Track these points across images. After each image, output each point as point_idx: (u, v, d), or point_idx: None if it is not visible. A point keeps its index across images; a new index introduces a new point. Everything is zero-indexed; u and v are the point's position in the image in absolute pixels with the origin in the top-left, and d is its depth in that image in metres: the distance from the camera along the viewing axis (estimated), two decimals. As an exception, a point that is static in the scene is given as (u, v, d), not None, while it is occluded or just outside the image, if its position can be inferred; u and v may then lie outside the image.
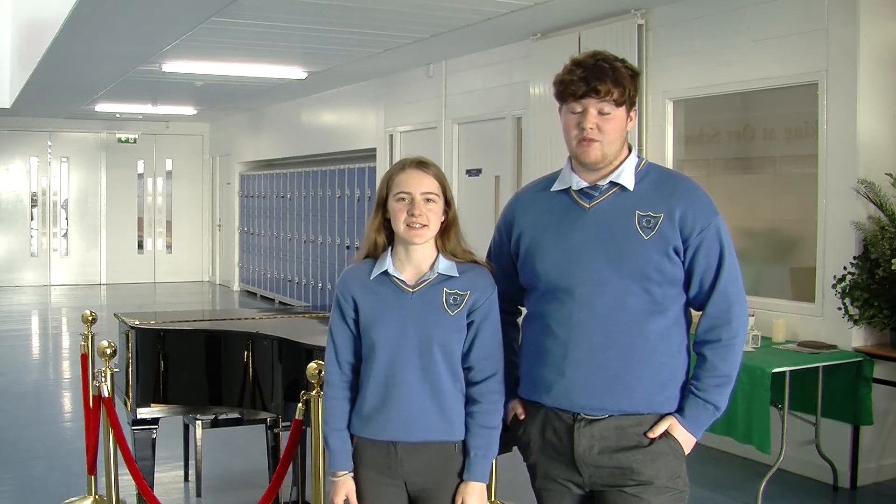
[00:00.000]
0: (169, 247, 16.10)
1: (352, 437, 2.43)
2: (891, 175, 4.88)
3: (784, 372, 4.51)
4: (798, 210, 5.49)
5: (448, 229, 2.42)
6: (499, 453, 2.45)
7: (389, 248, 2.42)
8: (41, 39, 8.02)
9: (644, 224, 2.23)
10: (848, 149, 4.93)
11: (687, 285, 2.29)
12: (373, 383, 2.37)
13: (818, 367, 4.70)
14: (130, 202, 15.80)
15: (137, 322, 4.17)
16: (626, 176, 2.28)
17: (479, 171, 8.32)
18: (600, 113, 2.22)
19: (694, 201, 2.26)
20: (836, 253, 4.98)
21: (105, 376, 4.11)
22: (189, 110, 13.54)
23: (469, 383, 2.38)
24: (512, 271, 2.43)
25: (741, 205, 5.90)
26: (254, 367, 3.94)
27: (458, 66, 8.46)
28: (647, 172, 2.33)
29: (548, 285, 2.31)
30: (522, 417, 2.38)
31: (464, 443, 2.38)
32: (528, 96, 7.19)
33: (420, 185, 2.37)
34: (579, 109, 2.24)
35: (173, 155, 16.05)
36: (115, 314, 4.53)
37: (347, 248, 10.86)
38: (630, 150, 2.34)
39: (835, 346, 4.88)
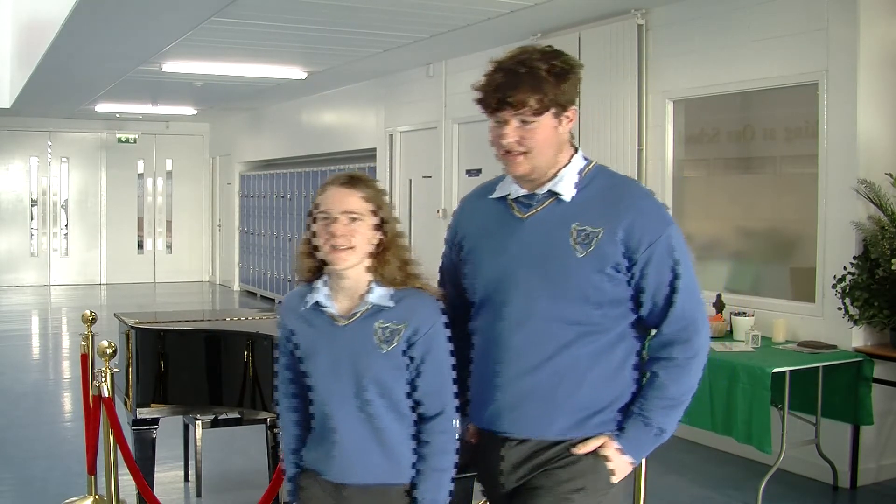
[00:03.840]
0: (169, 247, 16.10)
1: None
2: (891, 175, 4.88)
3: (784, 372, 4.51)
4: (798, 210, 5.49)
5: (385, 253, 2.18)
6: (458, 475, 2.26)
7: (326, 275, 2.22)
8: (41, 39, 8.02)
9: (580, 239, 2.04)
10: (848, 149, 4.93)
11: (638, 304, 2.09)
12: (316, 420, 2.23)
13: (818, 367, 4.70)
14: (130, 202, 15.80)
15: (137, 322, 4.18)
16: (565, 185, 2.09)
17: (479, 171, 8.32)
18: (521, 123, 2.03)
19: (641, 213, 2.05)
20: (836, 253, 4.98)
21: (105, 376, 4.11)
22: (189, 110, 13.54)
23: (418, 419, 2.19)
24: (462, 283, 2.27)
25: (741, 205, 5.90)
26: (254, 367, 3.95)
27: (458, 66, 8.46)
28: (593, 179, 2.12)
29: (482, 300, 2.16)
30: (472, 441, 2.23)
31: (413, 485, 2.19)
32: (528, 96, 7.18)
33: (343, 202, 2.14)
34: (500, 120, 2.05)
35: (173, 155, 16.05)
36: (115, 314, 4.54)
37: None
38: (574, 153, 2.14)
39: (835, 346, 4.88)
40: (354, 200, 2.15)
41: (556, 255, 2.05)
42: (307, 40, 7.58)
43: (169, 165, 16.08)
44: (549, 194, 2.09)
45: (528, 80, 1.99)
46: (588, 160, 2.15)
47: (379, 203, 2.19)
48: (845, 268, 4.86)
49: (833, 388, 4.78)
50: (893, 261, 4.61)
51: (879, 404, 4.86)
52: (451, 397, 2.19)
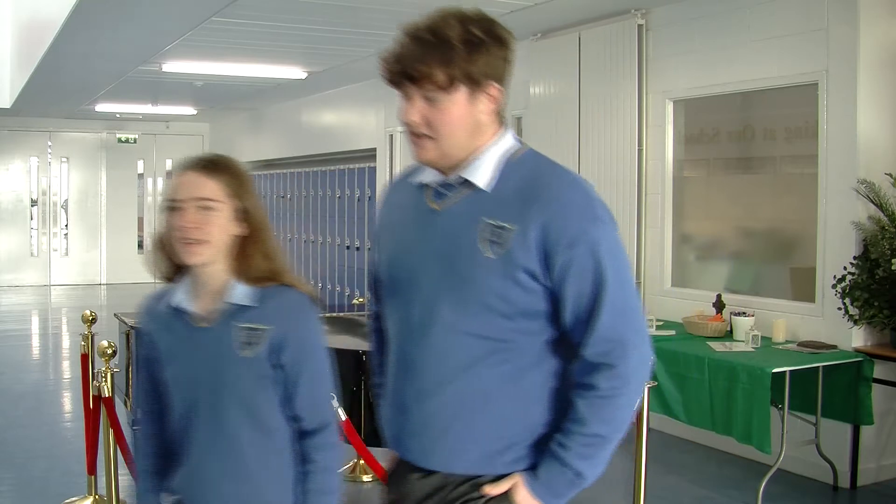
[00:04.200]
0: (169, 247, 16.10)
1: None
2: (891, 175, 4.88)
3: (784, 372, 4.51)
4: (798, 210, 5.49)
5: (247, 246, 1.93)
6: None
7: (186, 274, 1.99)
8: (41, 39, 8.02)
9: (491, 237, 1.70)
10: (848, 149, 4.93)
11: (560, 318, 1.75)
12: (176, 439, 1.98)
13: (818, 367, 4.70)
14: (130, 202, 15.81)
15: (137, 322, 4.17)
16: (482, 172, 1.76)
17: (479, 171, 8.32)
18: (428, 101, 1.73)
19: (561, 208, 1.70)
20: (836, 253, 4.98)
21: (105, 376, 4.11)
22: (189, 110, 13.55)
23: (298, 435, 1.95)
24: None
25: (741, 205, 5.90)
26: (254, 367, 3.94)
27: (458, 66, 8.45)
28: (519, 166, 1.77)
29: (387, 302, 1.89)
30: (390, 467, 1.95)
31: None
32: (528, 96, 7.19)
33: (195, 189, 1.89)
34: (405, 96, 1.76)
35: (173, 155, 16.00)
36: (115, 314, 4.54)
37: (347, 248, 10.87)
38: (500, 135, 1.81)
39: (835, 346, 4.88)
40: (208, 187, 1.89)
41: (464, 256, 1.73)
42: (307, 40, 7.58)
43: (169, 165, 16.04)
44: (464, 182, 1.78)
45: (435, 50, 1.68)
46: (519, 143, 1.82)
47: (239, 190, 1.93)
48: (845, 268, 4.86)
49: (833, 388, 4.78)
50: (893, 261, 4.61)
51: (879, 404, 4.86)
52: (332, 409, 1.97)
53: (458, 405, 1.76)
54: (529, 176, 1.74)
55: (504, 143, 1.79)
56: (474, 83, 1.72)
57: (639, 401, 1.78)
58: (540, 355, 1.76)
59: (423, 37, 1.69)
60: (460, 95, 1.72)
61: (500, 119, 1.82)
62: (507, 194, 1.73)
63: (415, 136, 1.76)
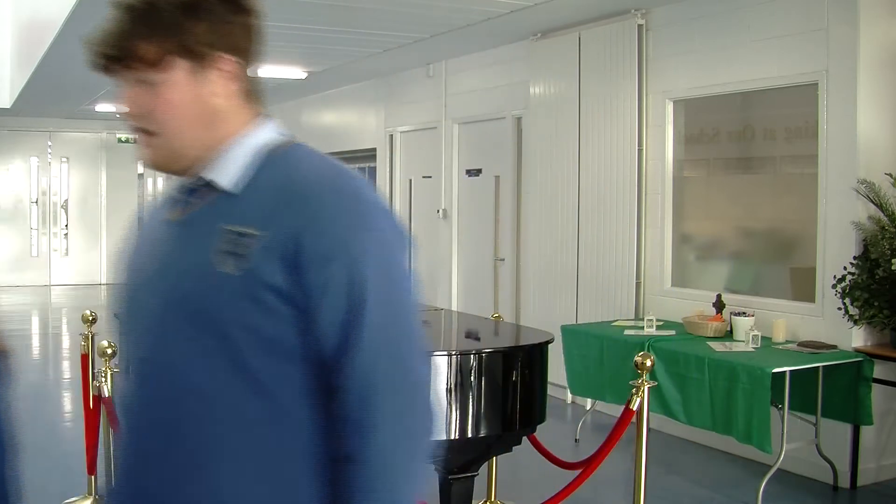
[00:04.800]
0: (169, 247, 16.12)
1: None
2: (891, 175, 4.88)
3: (784, 372, 4.51)
4: (798, 210, 5.49)
5: None
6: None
7: None
8: (41, 39, 8.03)
9: (230, 248, 1.31)
10: (848, 149, 4.94)
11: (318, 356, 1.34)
12: None
13: (818, 367, 4.70)
14: (130, 202, 15.81)
15: None
16: (227, 170, 1.38)
17: (479, 172, 8.32)
18: (142, 86, 1.36)
19: (320, 212, 1.31)
20: (836, 253, 4.98)
21: (105, 376, 4.11)
22: (189, 110, 13.55)
23: None
24: None
25: (741, 205, 5.90)
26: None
27: (458, 66, 8.46)
28: (279, 162, 1.39)
29: (121, 338, 1.52)
30: None
31: None
32: (528, 96, 7.19)
33: None
34: (120, 83, 1.39)
35: (173, 155, 16.08)
36: (115, 314, 4.53)
37: (347, 248, 10.86)
38: (255, 122, 1.43)
39: (835, 346, 4.89)
40: None
41: (193, 274, 1.34)
42: (307, 40, 7.58)
43: (169, 165, 16.10)
44: (207, 185, 1.40)
45: (140, 20, 1.33)
46: (285, 137, 1.44)
47: None
48: (845, 268, 4.86)
49: (833, 388, 4.78)
50: (893, 261, 4.61)
51: (879, 404, 4.86)
52: None
53: (178, 472, 1.34)
54: (289, 173, 1.36)
55: (260, 135, 1.42)
56: (195, 56, 1.35)
57: (424, 462, 1.36)
58: (296, 410, 1.33)
59: (130, 5, 1.35)
60: (179, 74, 1.35)
61: (253, 104, 1.44)
62: (258, 196, 1.35)
63: (137, 132, 1.40)
